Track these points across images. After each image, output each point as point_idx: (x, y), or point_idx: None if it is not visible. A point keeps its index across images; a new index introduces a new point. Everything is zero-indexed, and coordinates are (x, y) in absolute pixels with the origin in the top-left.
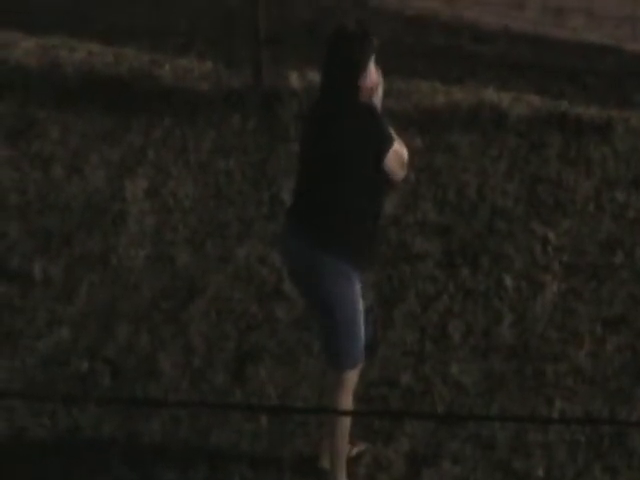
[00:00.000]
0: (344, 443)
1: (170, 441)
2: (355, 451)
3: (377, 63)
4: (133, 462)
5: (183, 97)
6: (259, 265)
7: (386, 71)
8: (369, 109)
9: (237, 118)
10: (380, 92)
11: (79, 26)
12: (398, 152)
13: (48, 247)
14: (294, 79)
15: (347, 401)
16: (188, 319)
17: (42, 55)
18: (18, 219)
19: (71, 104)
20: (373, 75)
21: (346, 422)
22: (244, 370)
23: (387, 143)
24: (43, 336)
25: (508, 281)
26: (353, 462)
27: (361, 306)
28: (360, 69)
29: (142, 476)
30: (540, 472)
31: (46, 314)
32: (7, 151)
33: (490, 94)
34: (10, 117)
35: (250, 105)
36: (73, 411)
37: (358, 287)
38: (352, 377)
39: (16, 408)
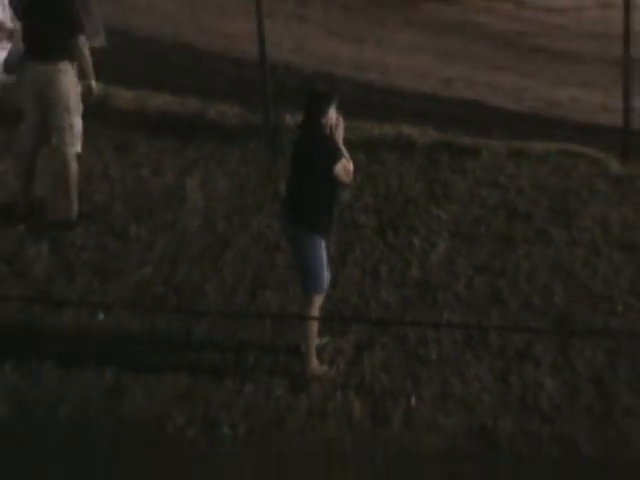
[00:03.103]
0: (314, 337)
1: (212, 336)
2: (323, 342)
3: (339, 110)
4: (191, 348)
5: (222, 129)
6: (267, 231)
7: (346, 115)
8: (325, 137)
9: (254, 143)
10: (341, 130)
11: (158, 85)
12: (345, 165)
13: (139, 217)
14: (289, 119)
15: (315, 313)
16: (223, 263)
17: (136, 102)
18: (120, 200)
19: (154, 132)
20: (332, 117)
21: (314, 325)
22: (256, 294)
23: (335, 158)
24: (134, 272)
25: (416, 242)
26: (321, 349)
27: (325, 256)
28: (321, 113)
29: (196, 358)
30: (434, 356)
31: (137, 258)
32: (115, 159)
33: (406, 129)
34: (117, 139)
35: (262, 135)
36: (151, 318)
37: (323, 245)
38: (318, 299)
39: (120, 315)
